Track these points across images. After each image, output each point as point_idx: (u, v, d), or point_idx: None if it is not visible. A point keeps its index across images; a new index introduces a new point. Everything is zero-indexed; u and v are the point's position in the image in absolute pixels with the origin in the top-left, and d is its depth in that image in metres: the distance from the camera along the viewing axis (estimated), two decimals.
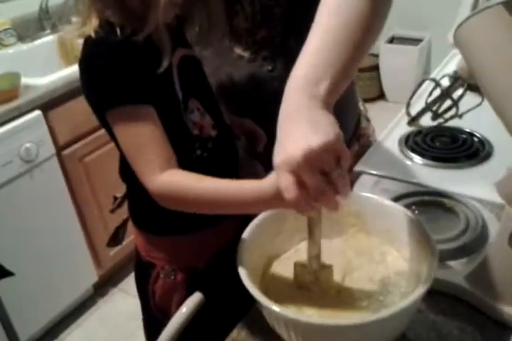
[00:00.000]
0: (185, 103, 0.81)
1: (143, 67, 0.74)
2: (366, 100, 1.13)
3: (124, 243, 1.12)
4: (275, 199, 0.63)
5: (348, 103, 1.07)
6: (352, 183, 0.96)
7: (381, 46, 3.12)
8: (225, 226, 0.91)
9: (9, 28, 2.12)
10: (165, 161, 0.75)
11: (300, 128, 0.57)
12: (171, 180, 0.74)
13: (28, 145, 1.66)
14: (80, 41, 0.78)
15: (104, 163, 1.92)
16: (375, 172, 1.04)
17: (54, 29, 2.23)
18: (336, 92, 0.64)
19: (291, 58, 0.90)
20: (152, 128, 0.75)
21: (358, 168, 1.05)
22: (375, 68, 3.18)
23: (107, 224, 1.97)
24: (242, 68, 0.95)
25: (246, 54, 0.93)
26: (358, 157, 1.09)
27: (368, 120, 1.16)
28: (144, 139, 0.74)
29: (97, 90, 0.75)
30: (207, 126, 0.84)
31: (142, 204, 0.89)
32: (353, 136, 1.10)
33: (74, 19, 0.78)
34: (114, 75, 0.73)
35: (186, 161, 0.78)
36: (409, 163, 1.08)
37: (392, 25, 3.13)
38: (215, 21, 0.83)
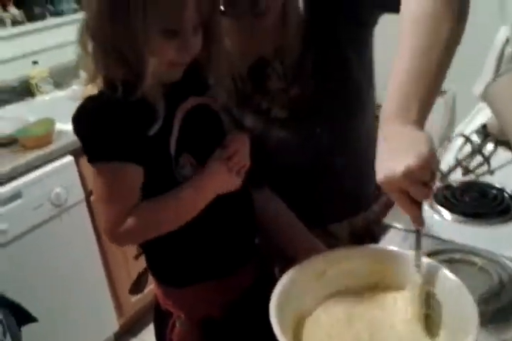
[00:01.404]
0: (177, 158, 0.81)
1: (134, 126, 0.76)
2: None
3: (145, 291, 1.11)
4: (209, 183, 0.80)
5: (374, 153, 1.07)
6: (379, 237, 0.95)
7: None
8: (241, 276, 0.92)
9: (47, 76, 2.22)
10: (127, 215, 0.78)
11: (397, 150, 0.65)
12: (126, 228, 0.78)
13: (58, 189, 1.69)
14: None
15: None
16: (403, 227, 1.02)
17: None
18: (427, 111, 0.70)
19: (325, 114, 0.94)
20: (129, 188, 0.78)
21: (386, 220, 1.04)
22: None
23: (131, 270, 1.97)
24: (278, 130, 0.96)
25: (283, 114, 0.95)
26: (386, 208, 1.08)
27: None
28: (119, 194, 0.78)
29: (86, 142, 0.78)
30: None
31: (158, 257, 0.91)
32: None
33: (81, 76, 0.80)
34: (102, 132, 0.75)
35: None
36: (438, 218, 1.06)
37: None
38: (219, 81, 0.85)
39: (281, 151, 0.96)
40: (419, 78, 0.68)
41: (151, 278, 1.03)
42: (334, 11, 0.89)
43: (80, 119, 0.78)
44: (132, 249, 1.98)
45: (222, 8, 0.80)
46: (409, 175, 0.62)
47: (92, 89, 0.79)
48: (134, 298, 2.04)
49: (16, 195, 1.59)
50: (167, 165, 0.80)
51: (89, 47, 0.75)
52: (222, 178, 0.82)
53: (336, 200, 1.04)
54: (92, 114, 0.77)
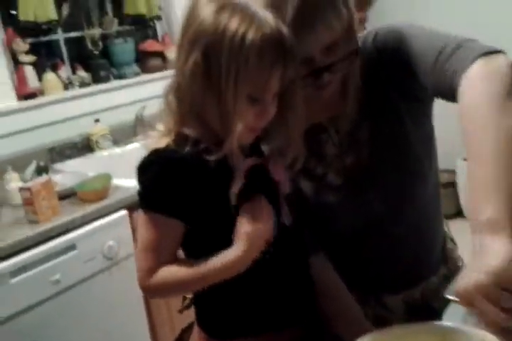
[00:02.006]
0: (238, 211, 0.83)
1: (194, 185, 0.79)
2: (443, 217, 1.10)
3: None
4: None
5: (434, 224, 1.06)
6: (439, 312, 0.91)
7: (458, 162, 3.11)
8: (288, 333, 0.90)
9: (107, 134, 2.33)
10: (159, 267, 0.82)
11: (486, 259, 0.63)
12: (157, 280, 0.82)
13: (111, 243, 1.73)
14: None
15: None
16: None
17: (145, 136, 2.43)
18: None
19: (379, 183, 0.94)
20: (167, 242, 0.82)
21: (447, 294, 0.99)
22: (451, 185, 3.14)
23: (175, 325, 1.95)
24: (333, 195, 0.96)
25: (338, 181, 0.95)
26: (446, 282, 1.03)
27: (453, 242, 1.13)
28: (157, 244, 0.82)
29: (141, 190, 0.82)
30: None
31: (208, 309, 0.91)
32: (441, 258, 1.07)
33: (153, 133, 0.85)
34: (160, 186, 0.79)
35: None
36: None
37: None
38: (292, 144, 0.86)
39: (335, 217, 0.96)
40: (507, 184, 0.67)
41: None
42: (391, 87, 0.92)
43: (144, 169, 0.82)
44: (177, 304, 1.97)
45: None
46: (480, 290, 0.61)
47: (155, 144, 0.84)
48: None
49: (70, 247, 1.64)
50: (227, 219, 0.82)
51: (173, 104, 0.81)
52: (247, 256, 0.81)
53: (390, 271, 1.01)
54: (156, 165, 0.80)
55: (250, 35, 0.74)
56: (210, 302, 0.88)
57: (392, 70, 0.90)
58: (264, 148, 0.90)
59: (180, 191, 0.79)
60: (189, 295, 1.04)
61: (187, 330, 1.05)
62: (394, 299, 1.02)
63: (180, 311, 1.04)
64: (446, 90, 0.80)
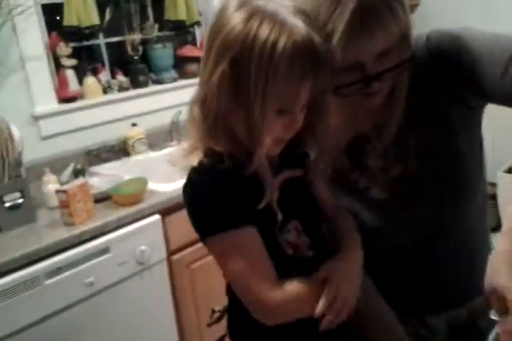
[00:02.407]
0: (284, 223, 0.81)
1: (245, 196, 0.76)
2: None
3: None
4: None
5: (482, 239, 1.02)
6: (486, 333, 0.87)
7: (498, 175, 3.02)
8: None
9: (143, 138, 2.35)
10: (276, 278, 0.78)
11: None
12: (291, 289, 0.78)
13: (143, 247, 1.74)
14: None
15: (208, 272, 1.94)
16: None
17: (181, 140, 2.44)
18: None
19: (428, 196, 0.90)
20: (257, 248, 0.77)
21: (493, 315, 0.95)
22: (492, 197, 3.06)
23: (203, 336, 1.94)
24: (375, 211, 0.93)
25: (383, 195, 0.91)
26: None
27: None
28: (250, 261, 0.77)
29: (197, 217, 0.78)
30: (303, 245, 0.83)
31: (244, 321, 0.87)
32: None
33: (182, 147, 0.81)
34: (214, 204, 0.75)
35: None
36: None
37: (509, 155, 3.06)
38: (321, 153, 0.84)
39: (377, 234, 0.92)
40: None
41: None
42: (442, 92, 0.88)
43: (192, 192, 0.79)
44: (207, 315, 1.97)
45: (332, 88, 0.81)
46: None
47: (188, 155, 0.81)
48: None
49: (104, 250, 1.65)
50: (271, 228, 0.80)
51: (198, 117, 0.78)
52: None
53: (434, 290, 0.97)
54: (202, 186, 0.77)
55: (281, 43, 0.70)
56: (244, 316, 0.85)
57: (447, 75, 0.85)
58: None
59: (234, 202, 0.76)
60: (218, 308, 1.02)
61: None
62: (437, 319, 0.98)
63: (209, 325, 1.02)
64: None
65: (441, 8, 3.00)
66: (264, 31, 0.70)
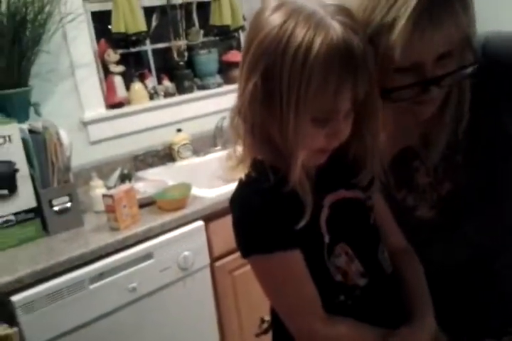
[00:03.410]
0: (332, 246, 0.77)
1: (289, 215, 0.73)
2: None
3: None
4: None
5: None
6: None
7: None
8: None
9: (188, 143, 2.36)
10: (320, 308, 0.75)
11: None
12: (334, 333, 0.75)
13: (186, 253, 1.73)
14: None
15: (251, 279, 1.91)
16: None
17: (224, 146, 2.44)
18: None
19: (479, 213, 0.84)
20: (300, 272, 0.75)
21: None
22: None
23: None
24: (424, 230, 0.88)
25: (431, 214, 0.87)
26: None
27: None
28: (294, 287, 0.75)
29: (243, 233, 0.76)
30: (353, 273, 0.79)
31: (287, 337, 0.84)
32: None
33: (229, 156, 0.80)
34: (261, 222, 0.73)
35: (325, 305, 0.76)
36: None
37: None
38: (370, 162, 0.79)
39: (425, 253, 0.86)
40: None
41: None
42: (501, 100, 0.82)
43: (239, 207, 0.77)
44: (249, 323, 1.95)
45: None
46: None
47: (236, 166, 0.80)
48: None
49: (148, 256, 1.66)
50: (319, 251, 0.77)
51: (240, 127, 0.75)
52: None
53: (493, 310, 0.91)
54: (251, 202, 0.75)
55: (315, 47, 0.65)
56: (288, 335, 0.82)
57: (507, 84, 0.79)
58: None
59: (279, 223, 0.73)
60: (267, 318, 1.00)
61: None
62: None
63: (258, 335, 1.00)
64: None
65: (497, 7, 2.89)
66: (299, 34, 0.66)
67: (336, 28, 0.67)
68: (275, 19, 0.69)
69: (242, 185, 0.77)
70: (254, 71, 0.71)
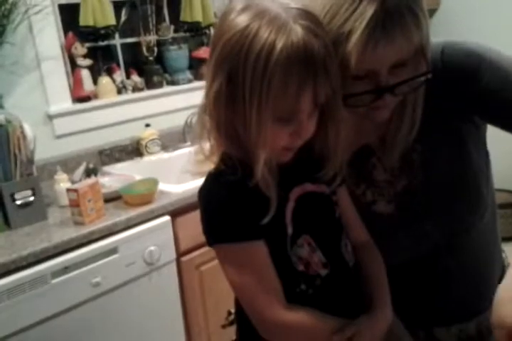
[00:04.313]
0: (295, 238, 0.79)
1: (255, 208, 0.75)
2: (502, 239, 1.03)
3: None
4: None
5: (492, 252, 0.99)
6: None
7: None
8: None
9: (156, 139, 2.35)
10: (282, 295, 0.77)
11: None
12: (294, 319, 0.76)
13: (152, 248, 1.73)
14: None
15: (218, 274, 1.91)
16: None
17: (194, 142, 2.42)
18: None
19: (435, 210, 0.87)
20: (264, 262, 0.77)
21: None
22: (510, 206, 3.01)
23: (211, 338, 1.93)
24: (381, 224, 0.90)
25: (389, 209, 0.90)
26: None
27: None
28: (257, 276, 0.76)
29: (209, 223, 0.78)
30: (315, 263, 0.81)
31: (252, 332, 0.84)
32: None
33: (199, 150, 0.80)
34: (227, 213, 0.75)
35: (287, 293, 0.78)
36: None
37: None
38: (332, 159, 0.80)
39: (384, 247, 0.89)
40: None
41: None
42: (453, 107, 0.85)
43: (205, 197, 0.79)
44: (215, 317, 1.96)
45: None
46: None
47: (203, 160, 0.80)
48: None
49: (112, 250, 1.64)
50: (282, 242, 0.79)
51: (208, 124, 0.77)
52: None
53: (443, 303, 0.95)
54: (218, 193, 0.77)
55: (277, 50, 0.67)
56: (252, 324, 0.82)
57: (460, 93, 0.83)
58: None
59: (245, 214, 0.75)
60: (234, 310, 1.02)
61: None
62: (445, 333, 0.96)
63: (224, 327, 1.01)
64: None
65: (461, 13, 2.96)
66: (261, 39, 0.68)
67: (298, 32, 0.69)
68: (239, 23, 0.71)
69: (211, 177, 0.79)
70: (218, 72, 0.72)
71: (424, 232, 0.89)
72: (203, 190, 0.79)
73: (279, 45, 0.67)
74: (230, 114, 0.73)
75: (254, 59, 0.68)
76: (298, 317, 0.78)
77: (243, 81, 0.69)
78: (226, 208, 0.75)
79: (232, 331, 1.02)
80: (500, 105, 0.80)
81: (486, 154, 0.93)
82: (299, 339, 0.81)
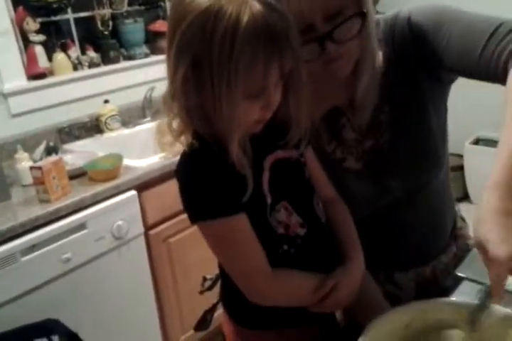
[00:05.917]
0: (274, 205, 0.82)
1: (232, 184, 0.77)
2: None
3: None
4: None
5: (447, 206, 1.07)
6: (450, 289, 0.92)
7: (466, 147, 3.10)
8: (315, 327, 0.91)
9: (116, 115, 2.33)
10: (266, 263, 0.81)
11: (493, 234, 0.66)
12: (279, 283, 0.82)
13: (120, 222, 1.75)
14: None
15: (186, 246, 1.97)
16: (479, 280, 0.96)
17: (154, 117, 2.43)
18: None
19: (399, 169, 0.93)
20: (247, 235, 0.80)
21: (459, 272, 1.01)
22: (459, 168, 3.14)
23: (182, 308, 1.98)
24: (351, 180, 0.96)
25: (358, 165, 0.95)
26: (456, 260, 1.05)
27: (463, 220, 1.14)
28: (241, 248, 0.80)
29: (189, 201, 0.79)
30: (293, 224, 0.85)
31: (237, 295, 0.87)
32: (451, 237, 1.08)
33: (163, 131, 0.80)
34: (206, 190, 0.77)
35: (271, 255, 0.82)
36: None
37: (477, 127, 3.13)
38: (297, 124, 0.82)
39: (352, 201, 0.94)
40: None
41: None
42: (421, 68, 0.90)
43: (183, 176, 0.80)
44: (186, 288, 1.99)
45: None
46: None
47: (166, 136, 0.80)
48: (184, 336, 2.04)
49: (81, 226, 1.66)
50: (262, 209, 0.82)
51: (175, 107, 0.76)
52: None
53: (400, 250, 1.03)
54: (195, 170, 0.78)
55: (240, 31, 0.68)
56: (236, 286, 0.86)
57: (426, 53, 0.87)
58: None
59: (225, 190, 0.77)
60: (209, 276, 1.06)
61: (210, 311, 1.06)
62: (404, 277, 1.04)
63: (201, 293, 1.05)
64: (492, 68, 0.79)
65: None
66: (225, 16, 0.68)
67: (258, 8, 0.69)
68: (199, 5, 0.70)
69: (186, 156, 0.80)
70: (182, 58, 0.72)
71: (387, 187, 0.96)
72: (180, 169, 0.80)
73: (243, 23, 0.68)
74: (199, 97, 0.74)
75: (219, 40, 0.69)
76: (282, 281, 0.83)
77: (210, 64, 0.70)
78: (205, 185, 0.77)
79: (204, 298, 1.06)
80: (461, 52, 0.83)
81: (446, 115, 0.99)
82: (285, 301, 0.85)
